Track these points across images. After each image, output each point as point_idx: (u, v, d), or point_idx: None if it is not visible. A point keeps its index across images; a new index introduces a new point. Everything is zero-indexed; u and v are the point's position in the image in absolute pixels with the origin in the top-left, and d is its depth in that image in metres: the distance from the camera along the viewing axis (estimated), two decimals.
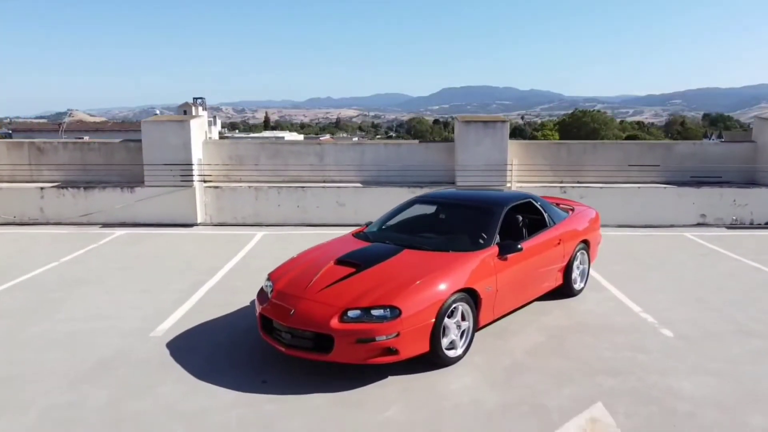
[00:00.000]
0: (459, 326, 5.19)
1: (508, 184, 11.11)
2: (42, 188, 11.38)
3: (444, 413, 4.41)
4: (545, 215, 6.75)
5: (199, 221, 11.26)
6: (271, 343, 5.12)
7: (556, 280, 6.74)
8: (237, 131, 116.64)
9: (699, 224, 11.28)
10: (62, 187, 11.38)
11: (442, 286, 5.02)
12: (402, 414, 4.40)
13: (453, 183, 11.49)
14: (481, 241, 5.77)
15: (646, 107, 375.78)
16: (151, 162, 11.10)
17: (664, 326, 6.14)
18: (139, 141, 11.70)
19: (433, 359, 5.02)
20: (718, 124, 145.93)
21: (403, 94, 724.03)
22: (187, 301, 6.98)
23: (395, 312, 4.72)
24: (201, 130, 11.71)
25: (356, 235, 6.45)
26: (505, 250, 5.70)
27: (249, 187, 11.35)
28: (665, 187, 11.31)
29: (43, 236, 10.55)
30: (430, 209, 6.81)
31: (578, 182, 11.50)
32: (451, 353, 5.12)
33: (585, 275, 7.25)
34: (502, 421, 4.29)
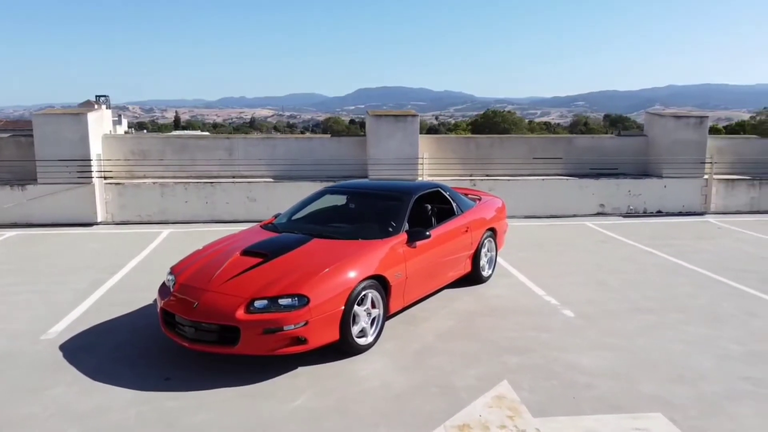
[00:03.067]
0: (369, 314, 5.17)
1: (420, 177, 11.26)
2: None
3: (353, 398, 4.38)
4: (453, 204, 6.87)
5: (99, 220, 10.66)
6: (173, 338, 4.90)
7: (465, 268, 6.88)
8: (145, 131, 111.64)
9: (598, 213, 11.90)
10: None
11: (351, 274, 4.99)
12: (311, 402, 4.33)
13: (366, 177, 11.50)
14: (390, 229, 5.79)
15: (552, 108, 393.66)
16: (45, 158, 10.38)
17: (565, 307, 6.40)
18: (31, 136, 10.93)
19: (344, 348, 4.98)
20: (617, 124, 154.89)
21: (319, 94, 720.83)
22: (85, 301, 6.57)
23: (303, 300, 4.64)
24: (100, 124, 11.08)
25: (264, 226, 6.31)
26: (413, 237, 5.75)
27: (154, 183, 10.87)
28: (567, 179, 11.86)
29: None
30: (340, 200, 6.78)
31: (487, 175, 11.84)
32: (361, 341, 5.10)
33: (493, 262, 7.45)
34: (411, 401, 4.31)
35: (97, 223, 10.65)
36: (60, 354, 5.15)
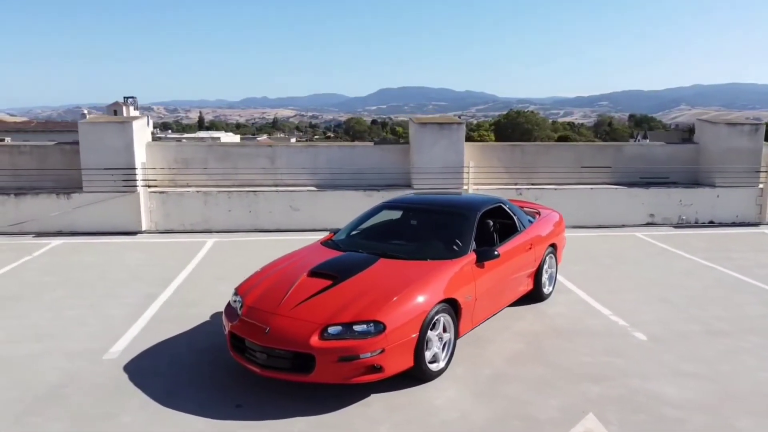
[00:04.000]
0: (441, 338, 4.99)
1: (465, 187, 11.04)
2: None
3: (433, 431, 4.20)
4: (515, 219, 6.66)
5: (143, 229, 10.62)
6: (243, 363, 4.76)
7: (528, 286, 6.66)
8: (170, 131, 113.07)
9: (648, 224, 11.57)
10: None
11: (425, 298, 4.81)
12: None
13: (409, 186, 11.33)
14: (457, 248, 5.60)
15: (575, 108, 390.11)
16: (90, 166, 10.37)
17: (635, 329, 6.15)
18: (75, 143, 10.94)
19: (417, 375, 4.80)
20: (642, 124, 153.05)
21: (341, 95, 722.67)
22: (140, 317, 6.48)
23: (379, 327, 4.47)
24: (143, 132, 11.06)
25: (325, 243, 6.15)
26: (482, 257, 5.55)
27: (197, 191, 10.80)
28: (616, 188, 11.54)
29: None
30: (397, 214, 6.60)
31: (532, 184, 11.57)
32: (434, 367, 4.92)
33: (553, 279, 7.22)
34: None
35: (141, 232, 10.62)
36: (125, 376, 5.05)
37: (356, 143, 14.40)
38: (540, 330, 6.12)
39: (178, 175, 11.21)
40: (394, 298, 4.67)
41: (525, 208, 7.49)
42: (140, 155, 10.65)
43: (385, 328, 4.47)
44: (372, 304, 4.62)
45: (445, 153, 10.92)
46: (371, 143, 12.53)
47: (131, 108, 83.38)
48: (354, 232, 6.35)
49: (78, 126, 10.57)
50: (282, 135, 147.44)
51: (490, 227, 6.32)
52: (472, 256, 5.52)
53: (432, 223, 6.16)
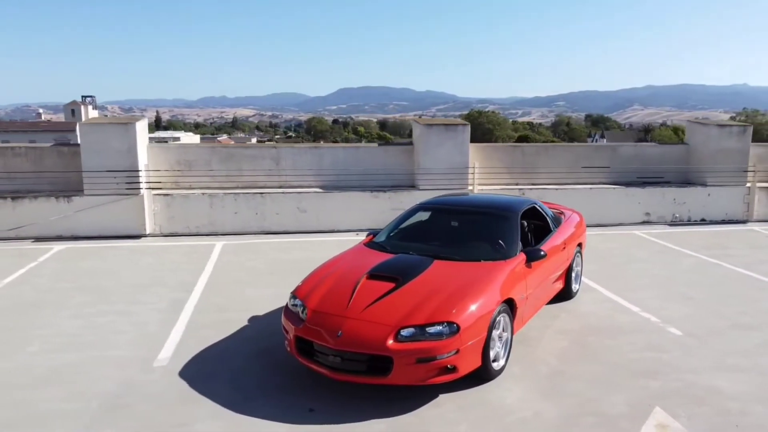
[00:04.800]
0: (500, 337, 5.07)
1: (470, 187, 11.17)
2: None
3: (513, 429, 4.27)
4: (548, 220, 6.80)
5: (147, 232, 10.39)
6: (313, 367, 4.74)
7: (560, 284, 6.81)
8: None
9: (644, 222, 11.92)
10: None
11: (490, 298, 4.89)
12: None
13: (413, 187, 11.40)
14: (506, 249, 5.69)
15: (533, 108, 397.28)
16: (92, 168, 10.08)
17: (668, 325, 6.35)
18: (72, 145, 10.64)
19: (484, 374, 4.87)
20: (599, 124, 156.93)
21: (301, 94, 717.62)
22: (176, 323, 6.36)
23: (453, 328, 4.52)
24: (145, 134, 10.82)
25: (369, 245, 6.15)
26: (531, 257, 5.66)
27: (203, 193, 10.62)
28: (614, 188, 11.85)
29: None
30: (426, 215, 6.64)
31: (533, 184, 11.78)
32: (496, 366, 5.00)
33: (579, 278, 7.40)
34: None
35: (144, 235, 10.39)
36: (184, 384, 4.96)
37: (360, 145, 14.40)
38: (578, 328, 6.27)
39: (180, 177, 11.00)
40: (465, 299, 4.73)
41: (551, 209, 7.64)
42: (143, 157, 10.41)
43: (458, 328, 4.52)
44: (443, 305, 4.67)
45: (451, 154, 11.02)
46: (375, 144, 12.53)
47: (90, 107, 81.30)
48: (395, 234, 6.37)
49: (78, 128, 10.26)
50: (242, 135, 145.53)
51: (525, 228, 6.44)
52: (522, 257, 5.62)
53: (474, 224, 6.24)
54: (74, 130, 71.26)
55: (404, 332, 4.51)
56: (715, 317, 6.62)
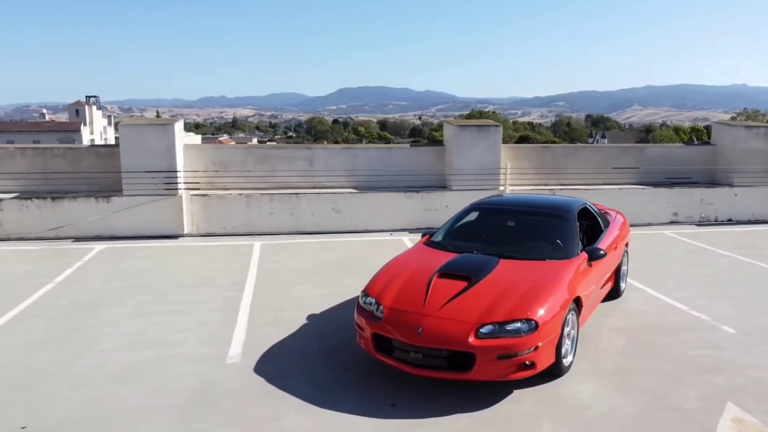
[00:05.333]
0: (569, 335, 5.19)
1: (501, 188, 11.30)
2: None
3: (598, 424, 4.39)
4: (599, 220, 6.92)
5: (185, 232, 10.50)
6: (392, 363, 4.86)
7: (611, 283, 6.93)
8: None
9: (672, 222, 12.04)
10: (25, 198, 10.18)
11: (563, 297, 5.02)
12: (557, 429, 4.34)
13: (444, 187, 11.52)
14: (569, 248, 5.81)
15: (533, 108, 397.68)
16: (131, 169, 10.19)
17: (720, 323, 6.47)
18: (109, 146, 10.76)
19: (556, 370, 4.99)
20: (599, 124, 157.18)
21: (300, 94, 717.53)
22: (236, 322, 6.48)
23: (531, 325, 4.65)
24: (181, 135, 10.93)
25: (428, 244, 6.27)
26: (592, 256, 5.78)
27: (240, 194, 10.73)
28: (643, 188, 11.98)
29: (10, 254, 9.39)
30: (474, 216, 6.75)
31: (562, 185, 11.91)
32: (565, 362, 5.13)
33: (626, 277, 7.52)
34: (659, 427, 4.35)
35: (182, 236, 10.50)
36: (262, 381, 5.08)
37: (393, 145, 14.54)
38: (633, 326, 6.39)
39: (215, 177, 11.12)
40: (541, 297, 4.86)
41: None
42: (180, 158, 10.53)
43: (537, 326, 4.65)
44: (521, 303, 4.79)
45: (483, 155, 11.15)
46: (407, 145, 12.66)
47: (94, 107, 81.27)
48: (452, 234, 6.48)
49: (119, 129, 10.38)
50: (243, 135, 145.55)
51: (580, 228, 6.56)
52: (584, 256, 5.75)
53: (531, 224, 6.36)
54: (78, 131, 71.48)
55: (484, 329, 4.63)
56: (762, 316, 6.74)
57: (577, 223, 6.34)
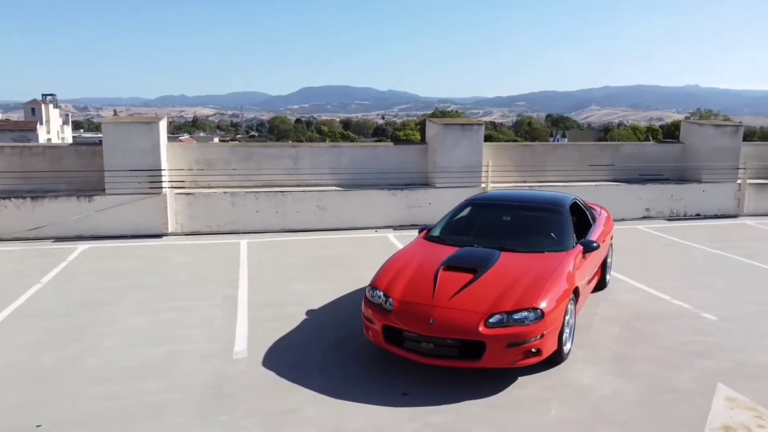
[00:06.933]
0: (568, 324, 5.43)
1: (483, 185, 11.55)
2: None
3: (602, 406, 4.64)
4: (588, 215, 7.20)
5: (169, 231, 10.43)
6: (403, 354, 5.02)
7: (599, 274, 7.22)
8: (82, 131, 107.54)
9: (644, 217, 12.52)
10: (3, 198, 9.96)
11: (564, 286, 5.25)
12: (566, 412, 4.57)
13: (428, 185, 11.72)
14: (564, 240, 6.06)
15: (494, 108, 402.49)
16: (114, 168, 10.08)
17: (702, 311, 6.83)
18: (91, 144, 10.61)
19: (557, 358, 5.22)
20: (559, 124, 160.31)
21: (262, 93, 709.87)
22: (237, 318, 6.53)
23: (538, 314, 4.86)
24: (165, 133, 10.84)
25: (428, 238, 6.43)
26: (587, 248, 6.04)
27: (225, 192, 10.71)
28: (617, 185, 12.43)
29: None
30: (488, 212, 6.94)
31: (541, 182, 12.24)
32: (565, 349, 5.36)
33: (610, 269, 7.84)
34: (659, 407, 4.62)
35: (166, 234, 10.42)
36: (272, 374, 5.17)
37: (378, 144, 14.65)
38: (622, 315, 6.68)
39: (199, 176, 11.07)
40: (545, 286, 5.08)
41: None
42: (164, 156, 10.46)
43: (543, 314, 4.87)
44: (527, 293, 5.01)
45: (466, 153, 11.39)
46: (391, 144, 12.81)
47: (50, 106, 79.01)
48: (450, 228, 6.66)
49: (102, 127, 10.24)
50: (204, 134, 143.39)
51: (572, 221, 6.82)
52: (579, 248, 6.00)
53: (526, 218, 6.60)
54: (34, 129, 69.34)
55: (493, 319, 4.83)
56: (740, 303, 7.13)
57: (571, 217, 6.60)
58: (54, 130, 75.92)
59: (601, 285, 7.42)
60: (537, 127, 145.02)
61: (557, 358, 5.23)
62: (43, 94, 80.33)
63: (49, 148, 10.84)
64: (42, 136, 69.17)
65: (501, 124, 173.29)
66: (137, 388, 4.88)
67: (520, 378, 5.07)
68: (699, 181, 12.74)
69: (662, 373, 5.21)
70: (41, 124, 71.45)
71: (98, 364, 5.31)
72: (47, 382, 4.98)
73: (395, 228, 11.10)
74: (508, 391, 4.88)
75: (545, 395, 4.81)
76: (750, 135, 77.13)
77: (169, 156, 10.82)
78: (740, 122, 13.31)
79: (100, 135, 10.47)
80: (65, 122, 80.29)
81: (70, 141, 67.85)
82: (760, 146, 14.80)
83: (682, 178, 13.09)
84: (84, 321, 6.37)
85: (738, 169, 12.76)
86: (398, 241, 9.87)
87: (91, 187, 10.50)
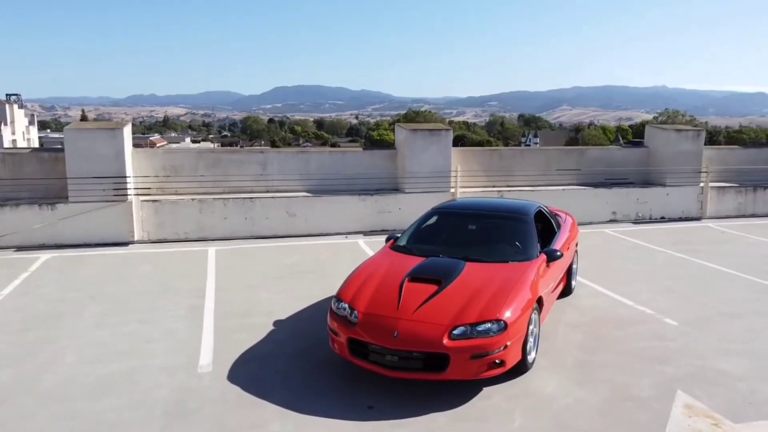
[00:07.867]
0: (532, 333, 5.49)
1: (452, 190, 11.61)
2: None
3: (565, 415, 4.70)
4: (552, 222, 7.29)
5: (135, 239, 10.26)
6: (367, 367, 5.02)
7: (563, 281, 7.31)
8: (48, 131, 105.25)
9: (611, 221, 12.71)
10: None
11: (528, 297, 5.30)
12: (529, 422, 4.62)
13: (397, 190, 11.74)
14: (528, 250, 6.12)
15: (467, 108, 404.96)
16: (77, 175, 9.87)
17: (663, 316, 6.96)
18: (53, 151, 10.39)
19: (521, 367, 5.27)
20: (531, 123, 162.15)
21: (235, 93, 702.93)
22: (203, 329, 6.46)
23: (501, 325, 4.90)
24: (130, 139, 10.66)
25: (395, 249, 6.44)
26: (550, 257, 6.12)
27: (192, 199, 10.58)
28: (584, 189, 12.60)
29: None
30: (453, 220, 6.97)
31: (509, 186, 12.34)
32: (529, 359, 5.42)
33: (575, 275, 7.94)
34: (620, 415, 4.70)
35: (132, 242, 10.25)
36: (237, 389, 5.12)
37: (347, 149, 14.61)
38: (586, 321, 6.79)
39: (165, 183, 10.91)
40: (508, 298, 5.12)
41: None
42: (129, 162, 10.28)
43: (506, 325, 4.91)
44: (490, 304, 5.04)
45: (435, 158, 11.44)
46: (360, 149, 12.79)
47: (15, 106, 76.98)
48: (416, 238, 6.67)
49: (64, 133, 10.03)
50: (175, 134, 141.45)
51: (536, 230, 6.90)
52: (543, 257, 6.07)
53: (491, 227, 6.65)
54: None
55: (457, 331, 4.85)
56: (700, 308, 7.29)
57: (535, 225, 6.67)
58: (19, 131, 74.00)
59: (566, 291, 7.52)
60: (509, 127, 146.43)
61: (521, 367, 5.28)
62: (7, 94, 78.13)
63: (9, 154, 10.55)
64: (7, 137, 67.40)
65: (474, 123, 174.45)
66: (96, 406, 4.78)
67: (485, 388, 5.11)
68: (663, 185, 12.99)
69: (623, 380, 5.30)
70: (5, 124, 69.56)
71: (56, 381, 5.19)
72: (1, 401, 4.85)
73: (365, 233, 11.10)
74: (473, 402, 4.91)
75: (509, 405, 4.86)
76: (716, 134, 79.05)
77: (135, 162, 10.64)
78: (700, 125, 13.60)
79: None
80: (31, 122, 78.19)
81: (36, 141, 66.27)
82: (722, 150, 15.17)
83: (647, 182, 13.34)
84: (43, 335, 6.23)
85: (700, 172, 13.03)
86: (368, 247, 9.87)
87: (53, 194, 10.29)
